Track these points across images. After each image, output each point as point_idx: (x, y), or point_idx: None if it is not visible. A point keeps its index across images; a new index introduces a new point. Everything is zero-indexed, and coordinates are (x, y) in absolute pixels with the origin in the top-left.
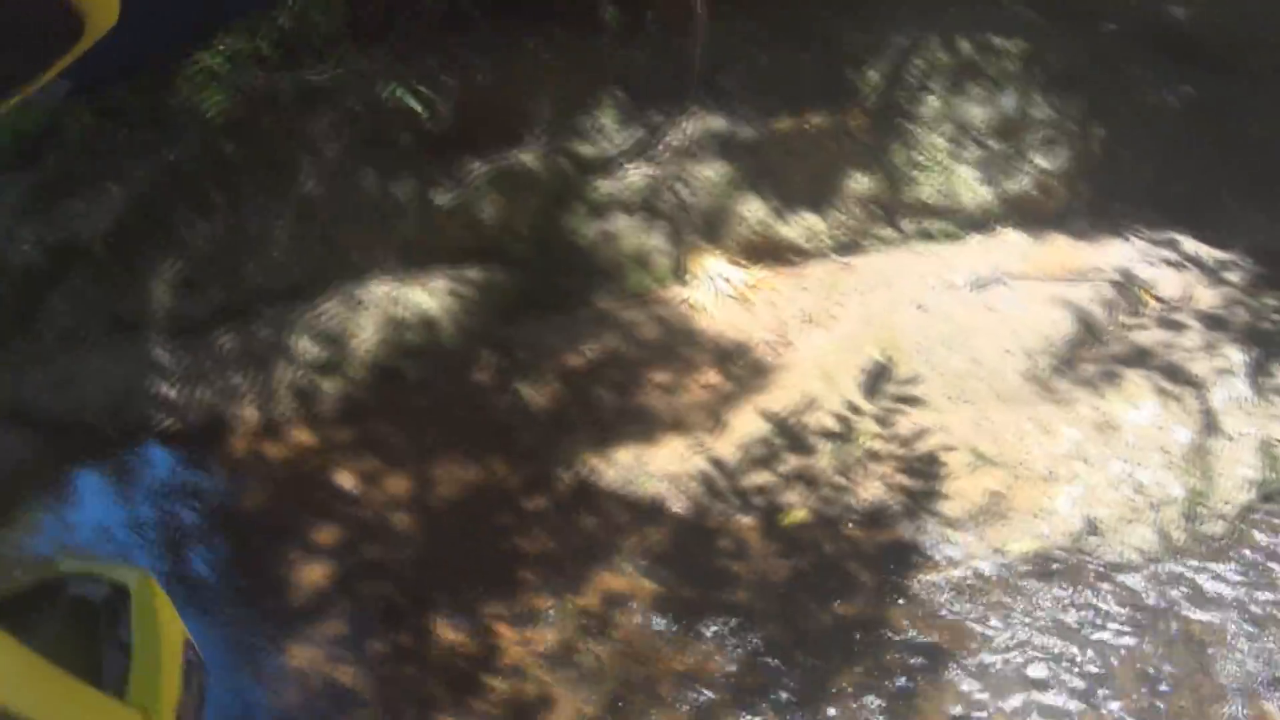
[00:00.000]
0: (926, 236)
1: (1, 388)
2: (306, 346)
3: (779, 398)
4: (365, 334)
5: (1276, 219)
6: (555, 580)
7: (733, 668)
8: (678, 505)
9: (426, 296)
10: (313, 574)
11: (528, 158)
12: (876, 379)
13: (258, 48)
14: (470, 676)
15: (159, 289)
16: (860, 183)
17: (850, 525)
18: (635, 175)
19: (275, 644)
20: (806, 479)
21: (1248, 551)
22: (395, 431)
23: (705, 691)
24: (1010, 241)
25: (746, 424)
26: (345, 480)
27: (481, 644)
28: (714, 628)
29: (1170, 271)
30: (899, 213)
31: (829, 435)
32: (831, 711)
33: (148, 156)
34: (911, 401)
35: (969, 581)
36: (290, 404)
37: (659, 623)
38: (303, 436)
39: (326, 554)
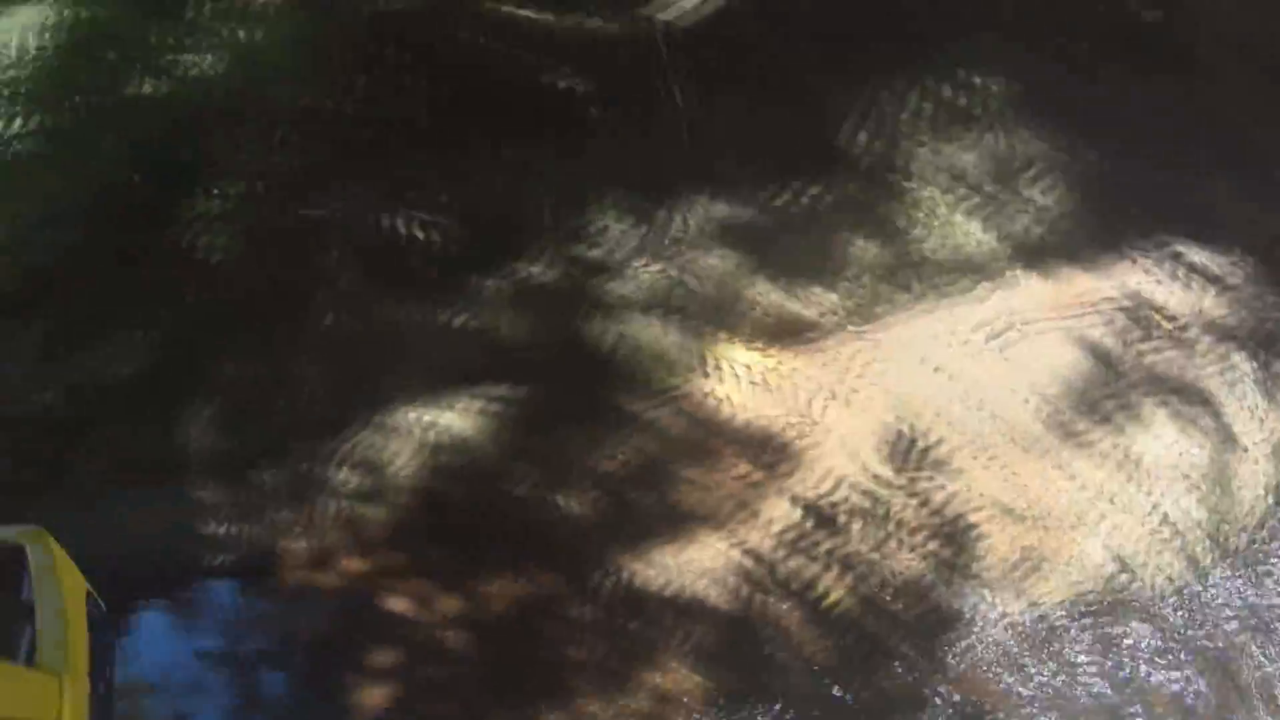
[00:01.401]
0: (939, 293)
1: None
2: (347, 477)
3: (808, 480)
4: (402, 459)
5: (1269, 209)
6: (606, 685)
7: None
8: (719, 600)
9: (456, 418)
10: (373, 697)
11: (536, 269)
12: (901, 449)
13: (248, 187)
14: None
15: (195, 430)
16: (865, 249)
17: (888, 600)
18: (643, 273)
19: None
20: (841, 559)
21: (1268, 558)
22: (442, 552)
23: None
24: (1019, 283)
25: (779, 511)
26: (397, 604)
27: None
28: (764, 717)
29: (1177, 287)
30: (907, 273)
31: (859, 513)
32: None
33: (164, 300)
34: (937, 466)
35: (1007, 639)
36: (337, 533)
37: (709, 717)
38: (352, 564)
39: (385, 676)
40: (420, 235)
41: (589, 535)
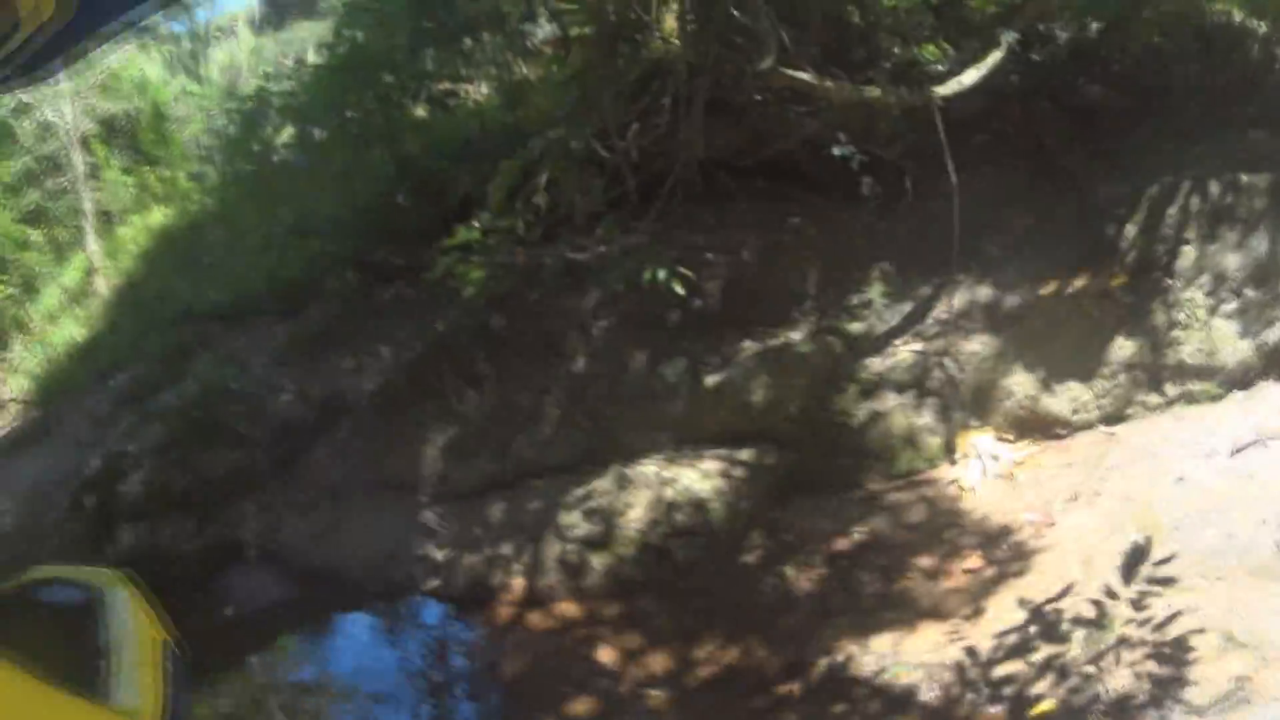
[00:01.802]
0: (1189, 399)
1: (257, 529)
2: (576, 521)
3: (1038, 583)
4: (635, 512)
5: None
6: None
7: None
8: (928, 695)
9: (698, 478)
10: None
11: (797, 337)
12: (1134, 561)
13: (514, 225)
14: None
15: (428, 453)
16: (1124, 347)
17: (1096, 716)
18: (904, 352)
19: None
20: (1057, 669)
21: None
22: (660, 610)
23: None
24: (1269, 396)
25: (1004, 611)
26: (606, 655)
27: None
28: None
29: None
30: (1161, 376)
31: (1083, 623)
32: None
33: (414, 321)
34: (1166, 583)
35: None
36: (557, 576)
37: None
38: (568, 609)
39: None
40: (681, 290)
41: (810, 612)
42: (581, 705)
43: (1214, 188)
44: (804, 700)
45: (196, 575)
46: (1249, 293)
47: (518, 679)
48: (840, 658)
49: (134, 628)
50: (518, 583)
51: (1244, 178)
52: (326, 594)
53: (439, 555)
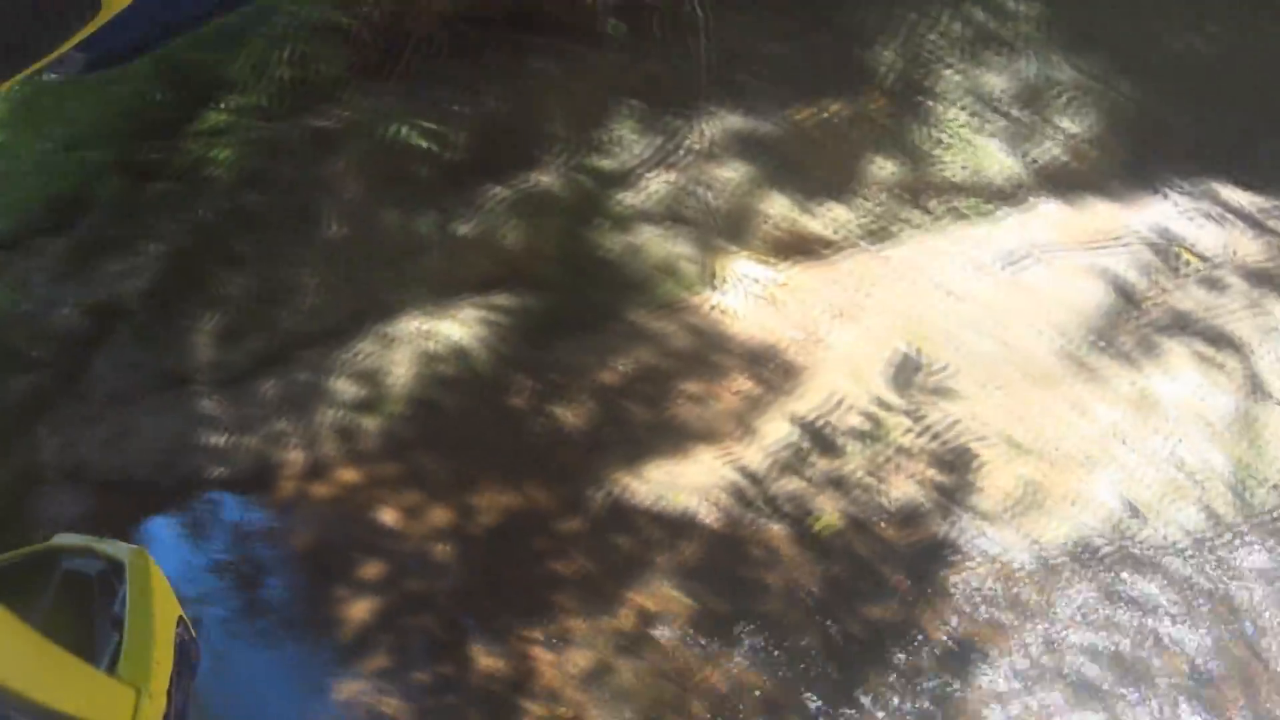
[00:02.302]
0: (957, 215)
1: (53, 449)
2: (345, 387)
3: (808, 399)
4: (400, 370)
5: None
6: (590, 601)
7: (764, 681)
8: (709, 518)
9: (457, 327)
10: (358, 610)
11: (547, 178)
12: (906, 372)
13: (258, 101)
14: (508, 702)
15: (200, 343)
16: (884, 167)
17: (882, 527)
18: (656, 184)
19: (323, 679)
20: (836, 482)
21: None
22: (435, 463)
23: (738, 706)
24: (1043, 212)
25: (776, 429)
26: (388, 516)
27: (518, 669)
28: (746, 641)
29: (1211, 226)
30: (927, 194)
31: (859, 435)
32: None
33: (177, 214)
34: (942, 393)
35: (1004, 576)
36: (333, 444)
37: (691, 639)
38: (347, 475)
39: (371, 590)
40: (428, 144)
41: (583, 448)
42: (372, 569)
43: (978, 13)
44: (586, 535)
45: (8, 508)
46: (1016, 113)
47: (308, 553)
48: (617, 490)
49: (152, 603)
50: (296, 456)
51: (1010, 3)
52: (123, 502)
53: (221, 442)
